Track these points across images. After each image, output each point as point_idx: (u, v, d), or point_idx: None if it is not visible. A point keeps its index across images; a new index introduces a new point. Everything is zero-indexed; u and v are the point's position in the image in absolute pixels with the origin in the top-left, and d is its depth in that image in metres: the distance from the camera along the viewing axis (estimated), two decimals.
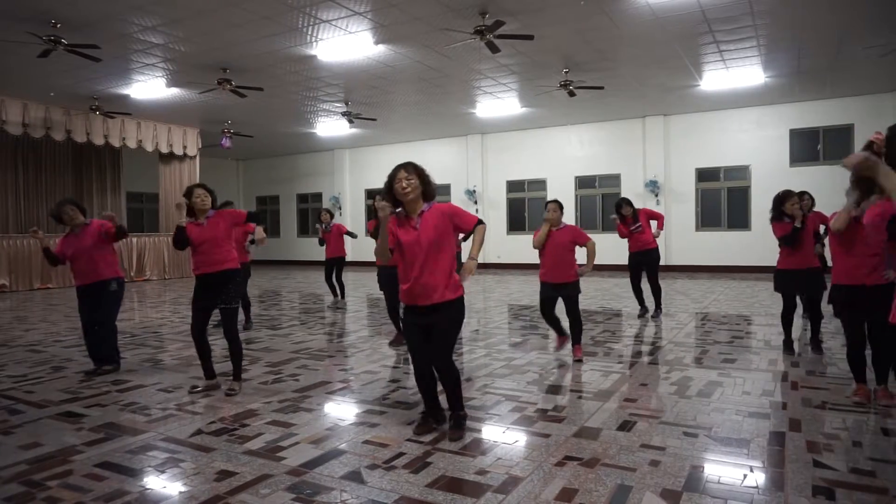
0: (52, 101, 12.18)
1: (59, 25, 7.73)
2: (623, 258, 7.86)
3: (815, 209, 6.35)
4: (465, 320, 3.48)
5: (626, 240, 7.69)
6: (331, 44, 8.80)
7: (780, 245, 5.22)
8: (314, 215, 19.79)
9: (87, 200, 14.80)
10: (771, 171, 13.30)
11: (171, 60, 9.53)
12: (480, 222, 3.37)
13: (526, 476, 2.82)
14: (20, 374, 5.03)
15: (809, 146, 13.25)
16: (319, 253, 9.62)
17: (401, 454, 3.10)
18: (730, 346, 5.73)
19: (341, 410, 3.96)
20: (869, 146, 2.15)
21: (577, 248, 5.17)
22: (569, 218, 15.36)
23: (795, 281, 5.24)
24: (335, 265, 9.42)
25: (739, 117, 13.77)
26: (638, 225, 7.54)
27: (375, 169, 18.72)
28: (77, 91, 11.34)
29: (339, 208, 19.00)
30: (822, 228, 5.86)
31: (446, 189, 17.44)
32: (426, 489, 2.69)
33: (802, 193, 5.84)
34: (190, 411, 3.91)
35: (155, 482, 2.82)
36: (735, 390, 4.21)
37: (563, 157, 15.80)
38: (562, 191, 15.71)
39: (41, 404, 4.13)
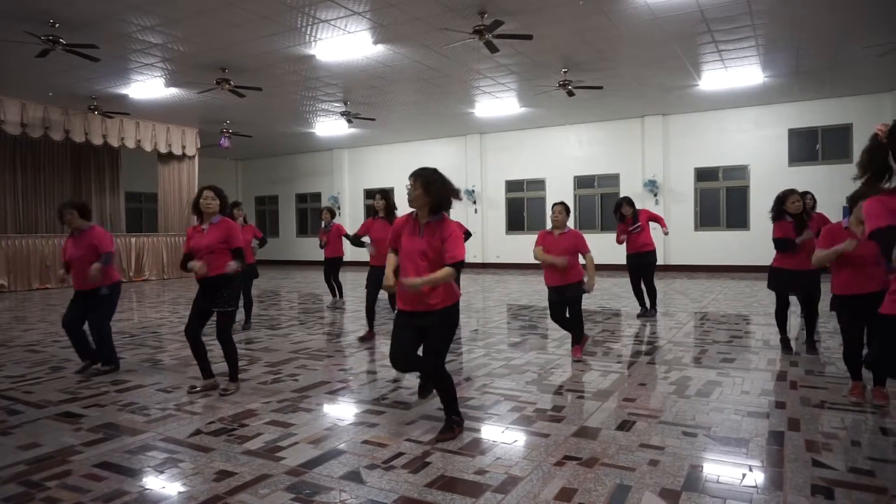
0: (51, 100, 12.17)
1: (57, 25, 7.72)
2: (622, 258, 7.87)
3: (817, 210, 6.36)
4: (459, 325, 3.48)
5: (622, 244, 7.69)
6: (330, 44, 8.80)
7: (775, 247, 5.22)
8: (313, 215, 19.81)
9: (86, 200, 14.76)
10: (770, 170, 13.31)
11: (170, 60, 9.52)
12: (458, 265, 3.17)
13: (525, 476, 2.82)
14: (19, 375, 5.02)
15: (808, 146, 13.26)
16: (319, 253, 9.61)
17: (400, 454, 3.10)
18: (728, 346, 5.74)
19: (340, 410, 3.96)
20: (874, 138, 2.16)
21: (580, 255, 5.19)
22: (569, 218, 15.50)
23: (790, 281, 5.23)
24: (334, 265, 9.44)
25: (738, 117, 13.78)
26: (637, 225, 7.54)
27: (374, 169, 18.73)
28: (75, 91, 11.33)
29: (338, 208, 18.99)
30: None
31: None
32: (425, 489, 2.69)
33: (805, 193, 5.84)
34: (189, 411, 3.90)
35: (154, 482, 2.82)
36: (734, 390, 4.21)
37: (562, 156, 15.80)
38: (561, 191, 15.71)
39: (40, 404, 4.12)
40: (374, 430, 3.47)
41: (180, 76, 10.40)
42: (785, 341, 5.45)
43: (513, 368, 4.99)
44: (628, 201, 7.66)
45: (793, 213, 5.08)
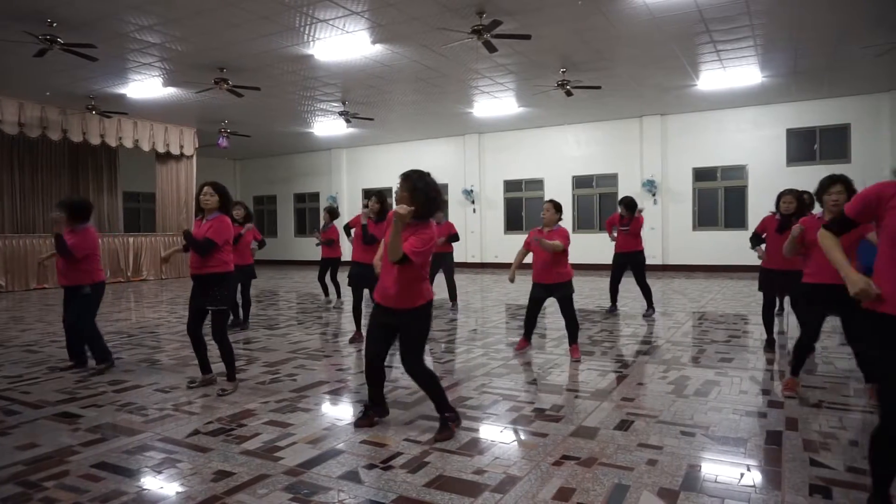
0: (49, 100, 12.14)
1: (55, 25, 7.71)
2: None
3: (814, 211, 6.38)
4: (431, 326, 3.55)
5: (613, 241, 7.82)
6: (328, 43, 8.79)
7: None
8: (311, 215, 19.79)
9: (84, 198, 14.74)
10: (768, 170, 13.33)
11: (168, 60, 9.51)
12: (406, 258, 3.14)
13: (523, 475, 2.82)
14: (16, 375, 5.01)
15: (806, 146, 13.28)
16: (317, 252, 9.61)
17: (398, 454, 3.10)
18: (727, 346, 5.74)
19: (339, 410, 3.96)
20: None
21: (568, 248, 5.23)
22: (566, 217, 15.52)
23: (774, 281, 5.27)
24: (330, 265, 9.44)
25: (736, 117, 13.79)
26: (626, 228, 7.62)
27: (373, 168, 18.71)
28: (73, 90, 11.31)
29: (337, 208, 18.96)
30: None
31: (444, 189, 17.44)
32: (424, 489, 2.68)
33: (803, 193, 5.87)
34: (187, 411, 3.90)
35: (152, 483, 2.81)
36: (732, 389, 4.22)
37: (561, 156, 15.81)
38: (559, 190, 15.72)
39: (37, 405, 4.11)
40: (373, 430, 3.47)
41: (178, 76, 10.39)
42: (770, 342, 5.49)
43: (511, 368, 4.99)
44: (628, 205, 7.68)
45: (783, 212, 5.15)
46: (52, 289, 12.55)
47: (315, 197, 20.23)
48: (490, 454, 3.08)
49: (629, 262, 7.71)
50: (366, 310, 5.69)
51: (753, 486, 2.68)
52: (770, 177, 12.88)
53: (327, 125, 15.19)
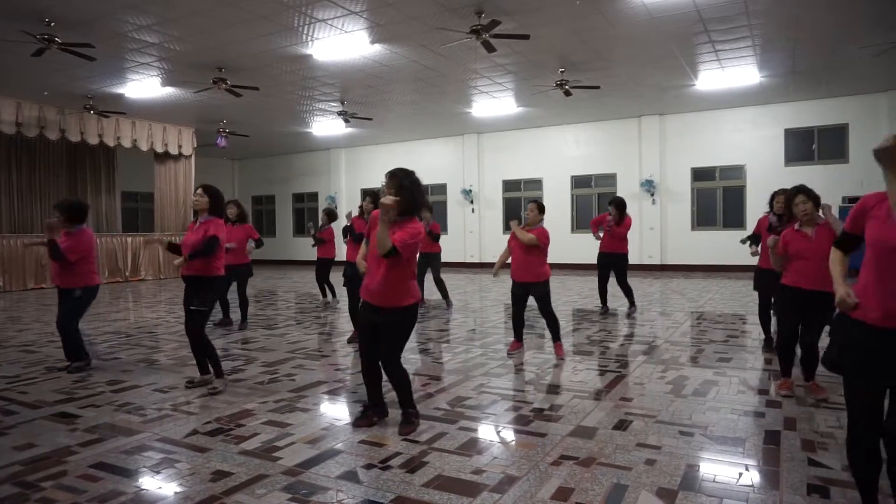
0: (46, 100, 12.12)
1: (52, 24, 7.69)
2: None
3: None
4: (415, 326, 3.55)
5: (598, 237, 7.94)
6: (327, 43, 8.79)
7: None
8: (310, 215, 19.76)
9: (82, 199, 14.73)
10: (766, 170, 13.34)
11: (166, 59, 9.49)
12: (395, 250, 3.21)
13: (522, 475, 2.82)
14: (14, 375, 5.00)
15: (804, 146, 13.29)
16: (315, 253, 9.60)
17: (397, 454, 3.10)
18: (725, 346, 5.75)
19: (337, 410, 3.96)
20: None
21: (548, 247, 5.31)
22: (564, 217, 15.55)
23: (768, 281, 5.28)
24: (327, 266, 9.45)
25: (735, 117, 13.80)
26: (610, 228, 7.69)
27: (371, 168, 18.69)
28: (71, 90, 11.28)
29: (335, 208, 18.96)
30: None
31: (442, 189, 17.45)
32: (422, 489, 2.68)
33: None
34: (185, 411, 3.89)
35: (150, 483, 2.81)
36: (730, 389, 4.22)
37: (559, 156, 15.81)
38: (558, 190, 15.73)
39: (35, 405, 4.10)
40: (371, 430, 3.47)
41: (177, 75, 10.37)
42: (769, 342, 5.51)
43: (510, 368, 4.99)
44: (619, 205, 7.76)
45: (776, 212, 5.23)
46: (50, 289, 12.52)
47: (314, 197, 20.22)
48: (489, 454, 3.08)
49: (614, 262, 7.82)
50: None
51: (751, 485, 2.68)
52: (768, 177, 12.88)
53: (326, 125, 15.18)
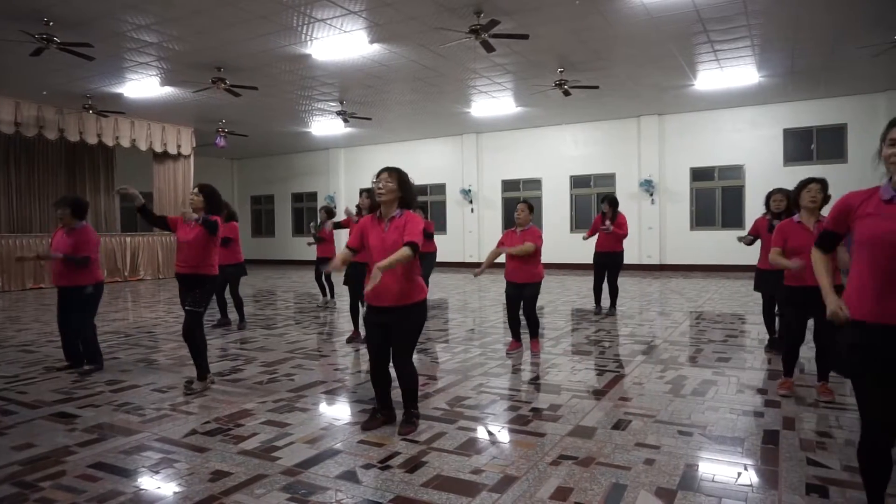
0: (45, 99, 12.10)
1: (51, 23, 7.68)
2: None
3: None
4: (425, 323, 3.58)
5: (588, 239, 8.00)
6: (326, 43, 8.78)
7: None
8: (309, 215, 19.76)
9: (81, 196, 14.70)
10: (765, 170, 13.35)
11: (165, 59, 9.49)
12: (412, 245, 3.21)
13: (521, 475, 2.82)
14: (12, 375, 5.00)
15: (803, 146, 13.30)
16: (314, 252, 9.60)
17: (396, 453, 3.10)
18: (724, 345, 5.75)
19: (336, 410, 3.96)
20: None
21: (541, 249, 5.34)
22: (563, 217, 15.56)
23: (768, 281, 5.30)
24: (327, 264, 9.41)
25: (734, 117, 13.81)
26: (608, 226, 7.69)
27: (370, 168, 18.57)
28: (70, 90, 11.27)
29: (334, 208, 18.97)
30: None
31: (441, 189, 17.44)
32: (421, 488, 2.68)
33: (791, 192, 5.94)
34: (184, 411, 3.89)
35: (149, 483, 2.81)
36: (729, 389, 4.22)
37: (559, 156, 15.81)
38: (557, 190, 15.73)
39: (34, 405, 4.10)
40: (371, 430, 3.47)
41: (175, 75, 10.36)
42: (773, 341, 5.50)
43: (509, 368, 4.99)
44: (612, 202, 7.83)
45: (773, 210, 5.25)
46: (49, 289, 12.51)
47: (313, 196, 20.20)
48: (488, 454, 3.08)
49: (609, 261, 7.82)
50: (362, 309, 5.68)
51: (750, 485, 2.68)
52: (767, 176, 12.88)
53: (325, 125, 15.17)
